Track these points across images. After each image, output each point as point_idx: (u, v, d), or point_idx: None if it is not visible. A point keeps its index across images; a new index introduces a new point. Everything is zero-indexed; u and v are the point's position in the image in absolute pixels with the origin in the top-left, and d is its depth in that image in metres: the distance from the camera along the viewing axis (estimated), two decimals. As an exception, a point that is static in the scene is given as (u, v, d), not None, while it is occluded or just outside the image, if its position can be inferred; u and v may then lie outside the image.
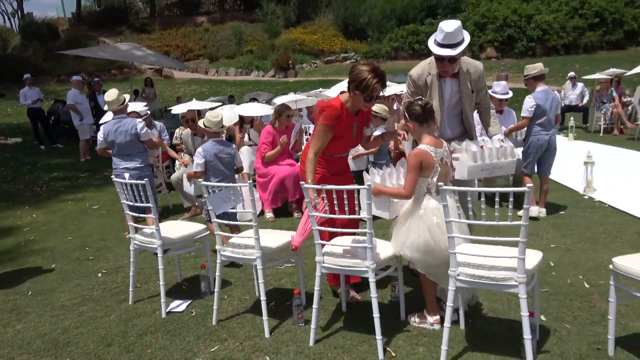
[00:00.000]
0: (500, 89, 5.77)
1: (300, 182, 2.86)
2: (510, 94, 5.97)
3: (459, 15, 27.15)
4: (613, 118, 10.73)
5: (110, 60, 22.57)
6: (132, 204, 3.57)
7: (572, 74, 11.77)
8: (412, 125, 2.85)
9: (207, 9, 37.22)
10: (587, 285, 3.42)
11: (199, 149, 4.40)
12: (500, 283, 2.43)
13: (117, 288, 4.03)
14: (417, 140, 2.86)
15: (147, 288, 3.98)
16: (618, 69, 12.04)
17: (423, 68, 3.50)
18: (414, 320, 3.05)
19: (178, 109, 8.45)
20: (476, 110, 3.75)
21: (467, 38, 3.27)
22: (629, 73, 11.20)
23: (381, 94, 3.07)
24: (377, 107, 5.43)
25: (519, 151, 5.20)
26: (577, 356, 2.60)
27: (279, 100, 9.33)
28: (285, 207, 5.86)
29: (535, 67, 5.05)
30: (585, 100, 11.70)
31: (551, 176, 6.86)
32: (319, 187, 2.76)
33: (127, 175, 4.54)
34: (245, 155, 6.87)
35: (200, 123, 4.71)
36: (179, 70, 26.65)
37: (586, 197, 5.75)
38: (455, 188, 2.58)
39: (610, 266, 2.52)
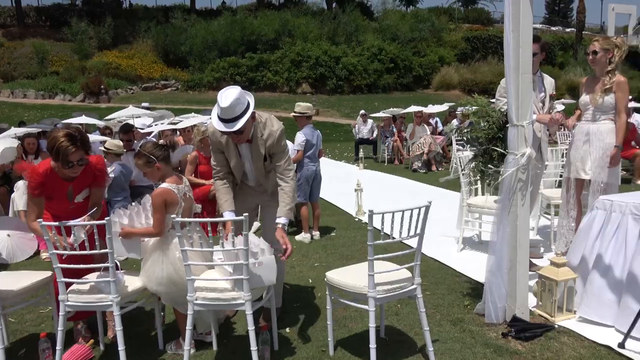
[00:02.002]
0: None
1: (38, 220, 2.80)
2: None
3: (277, 51, 29.00)
4: (394, 150, 12.62)
5: None
6: None
7: (362, 112, 13.53)
8: (160, 166, 3.03)
9: (3, 22, 32.75)
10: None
11: None
12: (230, 303, 2.73)
13: None
14: (161, 180, 3.04)
15: None
16: (395, 108, 14.27)
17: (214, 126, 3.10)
18: (171, 347, 3.18)
19: None
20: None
21: (251, 106, 2.98)
22: (402, 112, 13.37)
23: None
24: (109, 144, 5.78)
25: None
26: (305, 358, 3.04)
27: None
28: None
29: (309, 108, 5.72)
30: (374, 135, 13.53)
31: (335, 202, 7.84)
32: (57, 224, 2.75)
33: None
34: (22, 190, 6.26)
35: None
36: (-40, 89, 22.79)
37: (357, 219, 6.67)
38: (186, 219, 2.85)
39: (325, 279, 3.03)
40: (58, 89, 25.17)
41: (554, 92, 4.27)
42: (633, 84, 21.54)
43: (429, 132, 11.24)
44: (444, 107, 13.45)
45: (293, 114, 5.71)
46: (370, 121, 13.51)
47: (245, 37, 29.10)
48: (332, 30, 30.67)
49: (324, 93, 28.59)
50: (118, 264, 2.84)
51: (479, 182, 5.21)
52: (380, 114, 13.50)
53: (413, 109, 11.77)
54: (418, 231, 2.78)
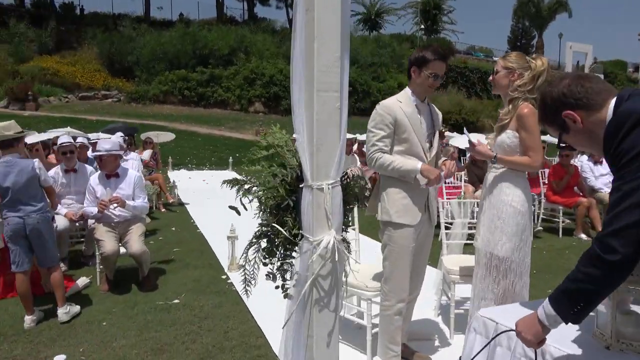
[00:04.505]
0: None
1: None
2: None
3: (230, 67, 27.59)
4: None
5: None
6: None
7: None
8: None
9: None
10: None
11: None
12: None
13: None
14: None
15: None
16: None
17: None
18: None
19: None
20: None
21: None
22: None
23: None
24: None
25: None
26: None
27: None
28: None
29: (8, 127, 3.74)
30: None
31: (215, 245, 6.24)
32: None
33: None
34: None
35: None
36: None
37: (224, 277, 5.14)
38: None
39: None
40: (-22, 93, 22.96)
41: (443, 129, 2.97)
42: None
43: (358, 164, 9.93)
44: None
45: None
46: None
47: (198, 50, 27.59)
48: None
49: (278, 113, 27.25)
50: None
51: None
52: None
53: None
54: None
